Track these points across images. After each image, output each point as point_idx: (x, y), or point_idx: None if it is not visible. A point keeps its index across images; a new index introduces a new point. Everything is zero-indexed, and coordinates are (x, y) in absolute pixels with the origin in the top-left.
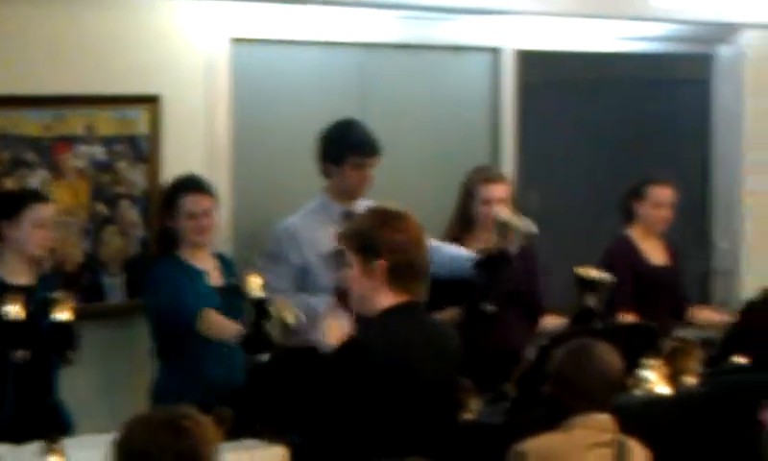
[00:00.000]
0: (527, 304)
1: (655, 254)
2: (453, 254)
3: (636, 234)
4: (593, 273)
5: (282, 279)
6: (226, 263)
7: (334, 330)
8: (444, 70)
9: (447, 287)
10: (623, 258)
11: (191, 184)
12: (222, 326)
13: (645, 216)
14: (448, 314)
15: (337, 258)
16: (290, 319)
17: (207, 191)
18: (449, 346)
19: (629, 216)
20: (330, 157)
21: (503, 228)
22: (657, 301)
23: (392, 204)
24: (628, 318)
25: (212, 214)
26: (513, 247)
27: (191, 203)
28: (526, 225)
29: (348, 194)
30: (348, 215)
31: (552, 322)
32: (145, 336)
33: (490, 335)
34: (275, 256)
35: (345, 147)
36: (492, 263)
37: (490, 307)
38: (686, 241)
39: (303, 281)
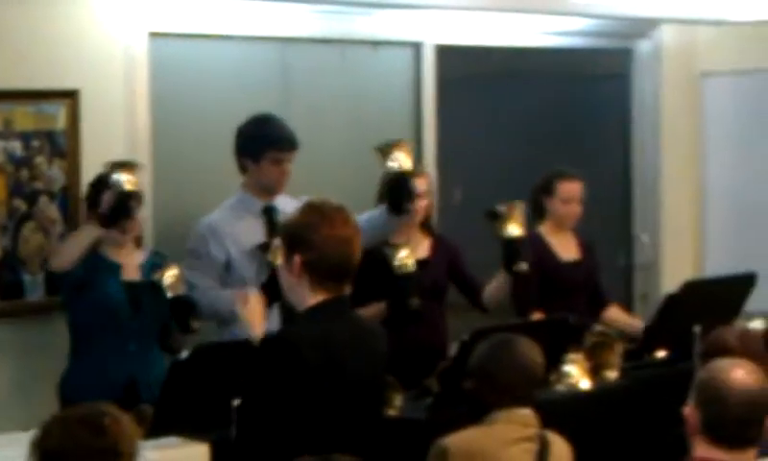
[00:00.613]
0: (444, 298)
1: (565, 249)
2: (365, 217)
3: (545, 230)
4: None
5: (206, 276)
6: (157, 260)
7: (255, 317)
8: (365, 65)
9: (371, 282)
10: (532, 256)
11: None
12: (70, 239)
13: (554, 212)
14: (375, 309)
15: (261, 252)
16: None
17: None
18: (375, 343)
19: (539, 212)
20: (248, 152)
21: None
22: (569, 296)
23: (329, 199)
24: (536, 317)
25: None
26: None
27: None
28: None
29: (267, 189)
30: (269, 210)
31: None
32: (65, 334)
33: (412, 331)
34: (197, 253)
35: (262, 142)
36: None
37: (415, 303)
38: (608, 235)
39: (227, 277)
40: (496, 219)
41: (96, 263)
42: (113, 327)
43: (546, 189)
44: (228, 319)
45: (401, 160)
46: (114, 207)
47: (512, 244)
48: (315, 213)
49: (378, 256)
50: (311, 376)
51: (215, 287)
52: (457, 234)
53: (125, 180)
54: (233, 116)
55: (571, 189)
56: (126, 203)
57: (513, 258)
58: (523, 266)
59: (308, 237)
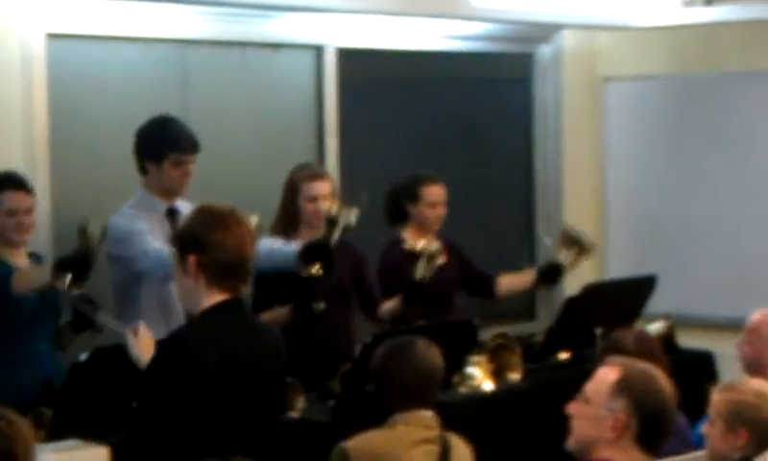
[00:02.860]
0: (350, 302)
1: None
2: (274, 247)
3: (408, 235)
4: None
5: (148, 239)
6: (40, 262)
7: (144, 348)
8: (266, 67)
9: (275, 285)
10: (394, 267)
11: (11, 181)
12: (32, 274)
13: (420, 216)
14: (279, 313)
15: None
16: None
17: (27, 189)
18: (273, 343)
19: (400, 216)
20: (149, 154)
21: (330, 221)
22: (447, 298)
23: (221, 202)
24: (386, 304)
25: (32, 212)
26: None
27: (11, 200)
28: (347, 217)
29: (169, 191)
30: (172, 212)
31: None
32: None
33: (317, 333)
34: (129, 231)
35: (164, 144)
36: (314, 252)
37: (318, 306)
38: (511, 238)
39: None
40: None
41: (4, 268)
42: (24, 329)
43: (410, 194)
44: None
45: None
46: None
47: (309, 283)
48: (207, 215)
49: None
50: (207, 376)
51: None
52: (361, 238)
53: None
54: (132, 118)
55: (436, 193)
56: None
57: (308, 299)
58: (320, 306)
59: (202, 239)
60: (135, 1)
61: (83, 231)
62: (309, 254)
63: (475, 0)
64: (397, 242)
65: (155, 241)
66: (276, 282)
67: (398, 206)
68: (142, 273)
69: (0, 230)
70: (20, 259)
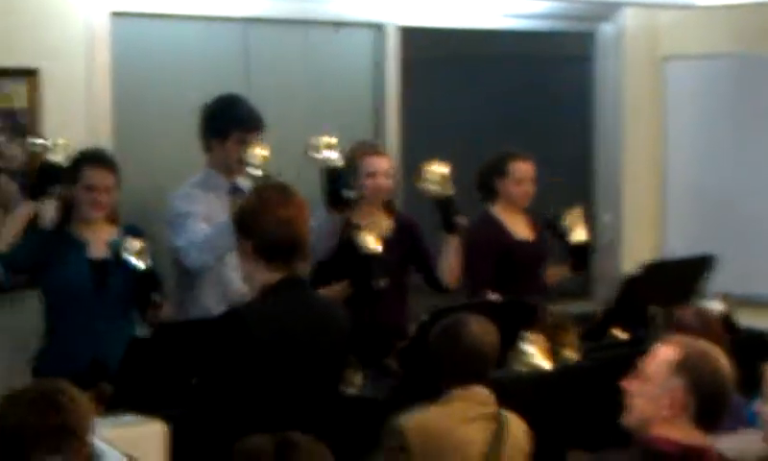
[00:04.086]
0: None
1: (519, 229)
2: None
3: (498, 211)
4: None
5: (198, 228)
6: (133, 234)
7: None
8: (327, 46)
9: (334, 262)
10: (485, 238)
11: (94, 157)
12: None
13: (507, 193)
14: (338, 289)
15: None
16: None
17: (109, 166)
18: (334, 320)
19: (490, 194)
20: (214, 131)
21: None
22: (525, 275)
23: (278, 181)
24: (491, 297)
25: (112, 191)
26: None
27: (91, 175)
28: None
29: (233, 169)
30: (236, 190)
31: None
32: (32, 313)
33: (373, 310)
34: (183, 214)
35: (229, 122)
36: None
37: (379, 283)
38: None
39: None
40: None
41: (61, 240)
42: (78, 306)
43: (499, 170)
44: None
45: (330, 155)
46: (39, 179)
47: (368, 260)
48: (255, 199)
49: (344, 237)
50: (260, 351)
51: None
52: (422, 217)
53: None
54: (194, 96)
55: (524, 169)
56: (51, 175)
57: (368, 275)
58: (380, 283)
59: (251, 223)
60: None
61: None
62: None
63: None
64: (487, 216)
65: (200, 228)
66: (339, 260)
67: (487, 183)
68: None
69: (79, 204)
70: (91, 233)
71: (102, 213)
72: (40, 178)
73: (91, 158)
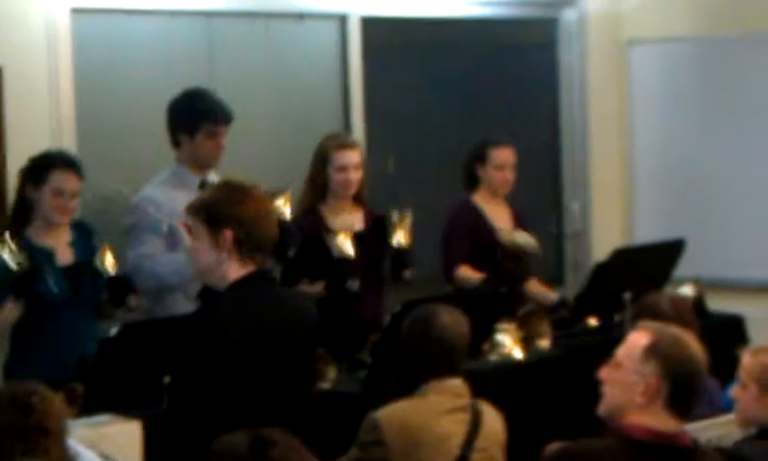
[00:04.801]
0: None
1: (499, 218)
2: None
3: (479, 199)
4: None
5: (157, 244)
6: (84, 233)
7: None
8: (290, 38)
9: (310, 266)
10: (464, 222)
11: (63, 160)
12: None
13: (488, 179)
14: (312, 290)
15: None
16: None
17: (78, 171)
18: (304, 314)
19: (471, 181)
20: (182, 126)
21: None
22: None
23: (238, 177)
24: (467, 272)
25: (77, 196)
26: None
27: (60, 180)
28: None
29: (202, 163)
30: (205, 184)
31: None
32: None
33: (344, 303)
34: (142, 226)
35: (197, 116)
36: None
37: (354, 285)
38: (538, 204)
39: (173, 247)
40: (387, 226)
41: (29, 253)
42: (56, 314)
43: (479, 157)
44: (176, 285)
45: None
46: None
47: (399, 254)
48: (236, 190)
49: (316, 240)
50: (235, 348)
51: (164, 253)
52: (390, 204)
53: None
54: (158, 91)
55: (504, 156)
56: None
57: (399, 268)
58: (408, 274)
59: (236, 213)
60: None
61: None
62: None
63: None
64: (467, 203)
65: (152, 252)
66: (311, 262)
67: (469, 171)
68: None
69: (43, 208)
70: (52, 238)
71: (68, 219)
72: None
73: (60, 162)
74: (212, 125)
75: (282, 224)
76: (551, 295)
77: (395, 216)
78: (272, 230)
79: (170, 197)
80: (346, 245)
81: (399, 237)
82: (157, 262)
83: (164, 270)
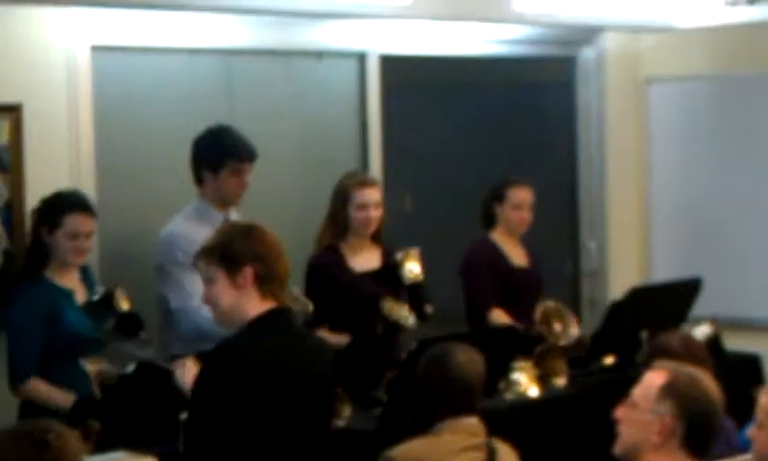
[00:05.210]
0: None
1: (516, 255)
2: None
3: (496, 238)
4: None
5: (195, 281)
6: (88, 277)
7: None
8: (310, 75)
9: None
10: (484, 259)
11: (77, 203)
12: (48, 395)
13: (505, 218)
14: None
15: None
16: (403, 319)
17: (92, 212)
18: (322, 352)
19: (489, 220)
20: (207, 163)
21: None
22: (521, 301)
23: (258, 214)
24: (501, 317)
25: (92, 236)
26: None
27: (75, 223)
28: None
29: (226, 200)
30: (227, 222)
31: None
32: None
33: (360, 339)
34: (176, 264)
35: (222, 153)
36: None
37: (429, 309)
38: (555, 243)
39: None
40: (396, 267)
41: (51, 291)
42: (80, 352)
43: (497, 196)
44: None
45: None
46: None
47: (414, 290)
48: (250, 228)
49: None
50: (256, 386)
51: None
52: (407, 242)
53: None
54: (178, 129)
55: (522, 196)
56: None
57: (419, 304)
58: (429, 309)
59: (253, 249)
60: (179, 11)
61: (108, 297)
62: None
63: (517, 4)
64: (486, 240)
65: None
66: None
67: (487, 209)
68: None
69: (58, 250)
70: (71, 280)
71: (85, 259)
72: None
73: (74, 205)
74: (237, 162)
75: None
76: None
77: (399, 255)
78: (287, 269)
79: (195, 231)
80: (416, 270)
81: (411, 272)
82: (201, 316)
83: (209, 324)
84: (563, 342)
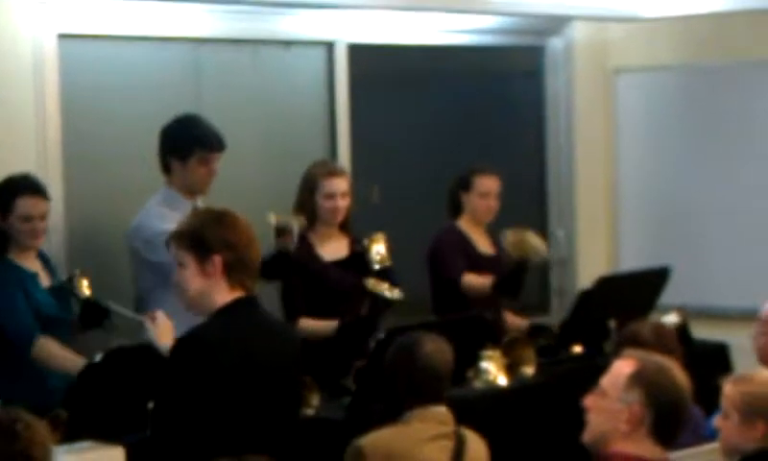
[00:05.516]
0: None
1: (483, 244)
2: None
3: (463, 226)
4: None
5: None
6: (46, 262)
7: (164, 333)
8: (278, 64)
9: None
10: (452, 244)
11: (26, 186)
12: (62, 358)
13: (472, 206)
14: (327, 327)
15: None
16: (389, 293)
17: (43, 194)
18: (289, 340)
19: (456, 208)
20: (175, 151)
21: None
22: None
23: (224, 203)
24: (474, 279)
25: (46, 218)
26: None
27: (26, 206)
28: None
29: (193, 188)
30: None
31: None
32: None
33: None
34: (163, 232)
35: (190, 141)
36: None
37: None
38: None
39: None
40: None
41: (17, 272)
42: (48, 331)
43: (464, 184)
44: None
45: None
46: None
47: (382, 274)
48: (223, 215)
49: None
50: (224, 375)
51: None
52: (374, 232)
53: None
54: (145, 117)
55: (488, 184)
56: None
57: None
58: (396, 293)
59: (224, 237)
60: (147, 0)
61: (71, 281)
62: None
63: None
64: (452, 228)
65: None
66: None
67: (453, 197)
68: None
69: (14, 235)
70: (33, 263)
71: (42, 241)
72: None
73: (24, 188)
74: (205, 151)
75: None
76: (523, 322)
77: (365, 242)
78: (258, 256)
79: (166, 220)
80: (383, 254)
81: (377, 255)
82: None
83: None
84: (536, 258)
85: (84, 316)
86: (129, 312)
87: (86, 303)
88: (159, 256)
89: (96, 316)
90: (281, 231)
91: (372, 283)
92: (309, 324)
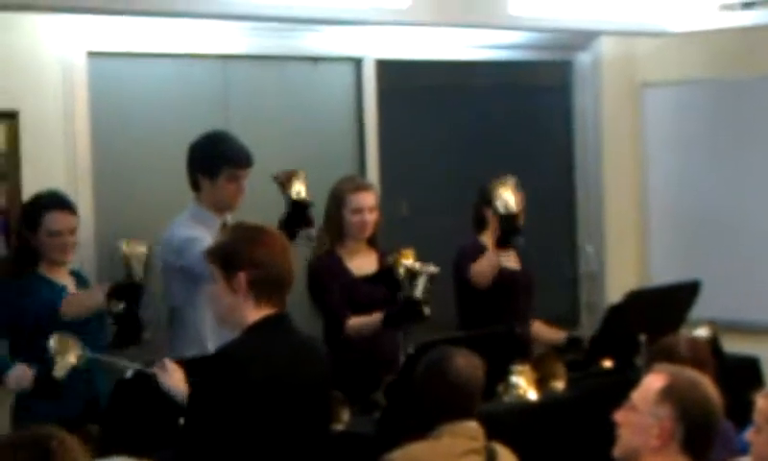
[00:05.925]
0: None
1: (506, 259)
2: None
3: (486, 241)
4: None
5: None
6: (81, 280)
7: (177, 378)
8: (306, 80)
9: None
10: (476, 257)
11: (54, 202)
12: (83, 299)
13: (495, 222)
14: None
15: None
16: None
17: (70, 209)
18: (318, 358)
19: (480, 224)
20: (204, 168)
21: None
22: (514, 304)
23: (253, 220)
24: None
25: (75, 232)
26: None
27: (54, 221)
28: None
29: (222, 205)
30: (225, 227)
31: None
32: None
33: (359, 343)
34: (191, 239)
35: (219, 159)
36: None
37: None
38: (553, 246)
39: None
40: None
41: (49, 286)
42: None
43: (486, 200)
44: None
45: (299, 190)
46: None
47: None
48: (249, 232)
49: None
50: (254, 392)
51: None
52: (403, 247)
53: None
54: (174, 134)
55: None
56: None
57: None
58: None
59: (251, 255)
60: (175, 18)
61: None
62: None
63: (513, 9)
64: (476, 243)
65: None
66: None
67: (478, 212)
68: (202, 278)
69: (43, 250)
70: (63, 277)
71: (72, 256)
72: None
73: (52, 203)
74: (234, 169)
75: (303, 203)
76: (559, 334)
77: (392, 256)
78: (288, 269)
79: (201, 231)
80: (413, 265)
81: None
82: None
83: None
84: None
85: (119, 333)
86: (127, 362)
87: (119, 317)
88: (188, 260)
89: (134, 330)
90: (286, 185)
91: (402, 266)
92: (357, 322)
